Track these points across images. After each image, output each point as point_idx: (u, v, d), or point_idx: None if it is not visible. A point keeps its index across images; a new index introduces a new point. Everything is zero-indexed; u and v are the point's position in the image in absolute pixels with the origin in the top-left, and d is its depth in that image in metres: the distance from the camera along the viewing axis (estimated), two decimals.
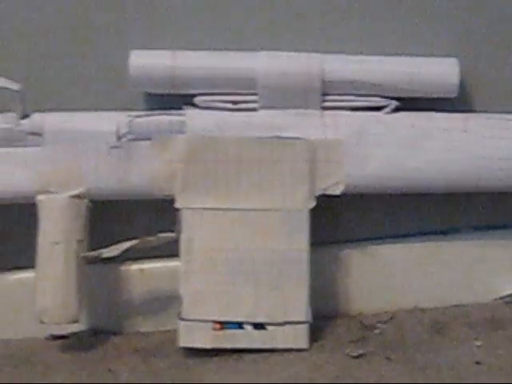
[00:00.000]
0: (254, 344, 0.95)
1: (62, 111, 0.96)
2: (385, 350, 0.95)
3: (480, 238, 1.06)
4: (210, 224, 0.95)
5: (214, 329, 0.94)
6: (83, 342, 1.01)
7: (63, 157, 0.94)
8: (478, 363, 0.90)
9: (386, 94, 0.96)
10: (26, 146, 0.94)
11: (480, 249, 1.06)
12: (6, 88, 0.92)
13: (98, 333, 1.03)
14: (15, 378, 0.93)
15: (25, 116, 0.94)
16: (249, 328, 0.95)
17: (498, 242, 1.07)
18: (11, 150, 0.94)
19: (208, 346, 0.94)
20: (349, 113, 0.96)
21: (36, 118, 0.94)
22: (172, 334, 0.97)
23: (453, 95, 0.97)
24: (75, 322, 0.96)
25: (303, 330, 0.95)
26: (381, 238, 1.06)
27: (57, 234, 0.93)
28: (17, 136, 0.94)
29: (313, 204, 0.94)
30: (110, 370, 0.93)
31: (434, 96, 0.97)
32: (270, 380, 0.89)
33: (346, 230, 1.06)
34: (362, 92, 0.96)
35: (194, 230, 0.94)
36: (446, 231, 1.07)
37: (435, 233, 1.07)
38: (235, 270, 0.94)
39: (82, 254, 0.95)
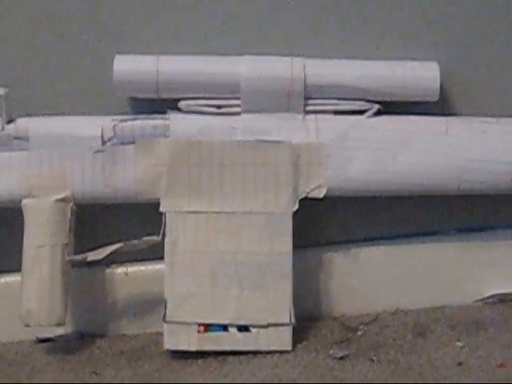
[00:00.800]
0: (238, 346, 0.95)
1: (46, 116, 0.97)
2: (368, 352, 0.95)
3: (461, 240, 1.06)
4: (194, 227, 0.95)
5: (199, 331, 0.95)
6: (69, 344, 1.02)
7: (48, 161, 0.94)
8: (459, 364, 0.91)
9: (367, 98, 0.96)
10: (11, 150, 0.95)
11: (461, 251, 1.06)
12: None
13: (84, 335, 1.04)
14: (2, 379, 0.94)
15: (10, 121, 0.95)
16: (233, 330, 0.95)
17: (478, 245, 1.07)
18: None
19: (193, 348, 0.94)
20: (331, 116, 0.97)
21: (21, 122, 0.95)
22: (157, 337, 0.98)
23: (434, 99, 0.97)
24: (61, 324, 0.96)
25: (287, 331, 0.95)
26: (363, 241, 1.07)
27: (42, 237, 0.93)
28: (2, 140, 0.94)
29: (296, 207, 0.95)
30: (95, 372, 0.94)
31: (416, 100, 0.97)
32: (255, 381, 0.90)
33: (329, 233, 1.06)
34: (344, 96, 0.97)
35: (178, 234, 0.95)
36: (427, 233, 1.07)
37: (417, 235, 1.07)
38: (219, 272, 0.95)
39: (68, 258, 0.95)
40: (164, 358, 0.96)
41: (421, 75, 0.97)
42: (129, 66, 0.95)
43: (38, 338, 1.02)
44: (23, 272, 0.94)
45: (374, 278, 1.06)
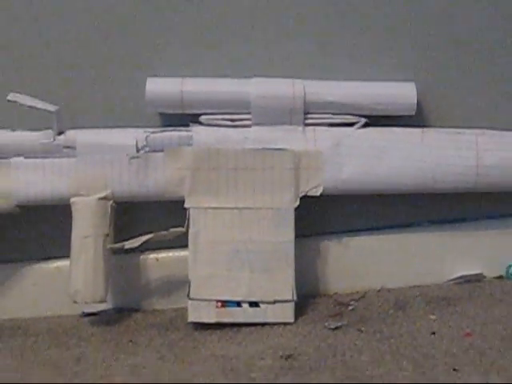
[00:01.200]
0: (249, 319, 0.97)
1: (91, 128, 0.98)
2: (357, 323, 0.97)
3: (434, 231, 1.08)
4: (213, 221, 0.96)
5: (217, 306, 0.96)
6: (109, 318, 1.03)
7: (92, 166, 0.96)
8: (433, 333, 0.93)
9: (356, 113, 0.98)
10: (61, 157, 0.96)
11: (435, 239, 1.08)
12: (46, 110, 0.93)
13: (122, 310, 1.05)
14: (54, 347, 0.94)
15: (60, 132, 0.96)
16: (245, 306, 0.97)
17: (449, 234, 1.08)
18: (50, 160, 0.96)
19: (212, 320, 0.96)
20: (326, 128, 0.98)
21: (70, 134, 0.96)
22: (182, 311, 0.99)
23: (411, 113, 0.99)
24: (102, 301, 0.98)
25: (289, 307, 0.97)
26: (353, 231, 1.08)
27: (87, 229, 0.95)
28: (54, 149, 0.96)
29: (297, 203, 0.97)
30: (131, 341, 0.95)
31: (396, 114, 0.99)
32: (263, 348, 0.90)
33: (325, 225, 1.07)
34: (337, 111, 0.99)
35: (199, 226, 0.96)
36: (407, 225, 1.08)
37: (398, 226, 1.08)
38: (233, 258, 0.96)
39: (108, 246, 0.97)
40: (188, 329, 0.97)
41: (401, 94, 0.99)
42: (158, 87, 0.97)
43: (83, 313, 1.03)
44: (71, 258, 0.96)
45: (362, 262, 1.08)
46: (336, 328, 0.96)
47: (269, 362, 0.87)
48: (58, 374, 0.86)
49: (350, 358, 0.87)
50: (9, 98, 0.92)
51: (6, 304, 1.06)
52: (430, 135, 1.00)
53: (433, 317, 0.98)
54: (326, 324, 0.97)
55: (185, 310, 0.98)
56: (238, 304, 0.97)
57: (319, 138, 0.98)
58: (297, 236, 0.98)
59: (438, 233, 1.09)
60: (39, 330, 1.01)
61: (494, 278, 1.09)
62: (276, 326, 0.97)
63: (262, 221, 0.97)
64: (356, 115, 0.99)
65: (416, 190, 1.01)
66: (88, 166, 0.96)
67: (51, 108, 0.94)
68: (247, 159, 0.97)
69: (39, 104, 0.93)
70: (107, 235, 0.97)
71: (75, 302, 0.97)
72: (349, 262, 1.08)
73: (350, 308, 1.03)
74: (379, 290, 1.08)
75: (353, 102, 0.98)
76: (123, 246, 0.98)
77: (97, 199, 0.96)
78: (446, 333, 0.93)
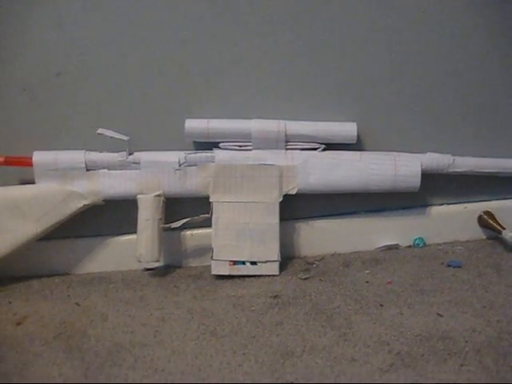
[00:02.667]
0: (250, 272, 0.97)
1: (149, 151, 0.98)
2: (319, 275, 0.97)
3: (368, 216, 1.08)
4: (227, 210, 0.97)
5: (230, 264, 0.97)
6: (161, 271, 1.03)
7: (151, 175, 0.96)
8: (367, 282, 0.93)
9: (318, 142, 0.99)
10: (131, 169, 0.97)
11: (368, 222, 1.08)
12: (121, 139, 0.94)
13: (169, 267, 1.05)
14: (126, 290, 0.95)
15: (130, 153, 0.97)
16: (248, 264, 0.97)
17: (377, 219, 1.08)
18: (124, 171, 0.97)
19: (226, 273, 0.97)
20: (299, 151, 0.99)
21: (136, 155, 0.97)
22: (208, 268, 0.98)
23: (353, 142, 0.99)
24: (157, 261, 0.98)
25: (276, 264, 0.98)
26: (318, 217, 1.07)
27: (147, 215, 0.96)
28: (126, 164, 0.97)
29: (281, 199, 0.97)
30: (175, 286, 0.96)
31: (343, 142, 1.00)
32: (259, 291, 0.91)
33: (298, 212, 1.06)
34: (306, 140, 0.99)
35: (218, 213, 0.97)
36: (351, 213, 1.08)
37: (345, 214, 1.08)
38: (240, 234, 0.97)
39: (161, 226, 0.97)
40: (211, 278, 0.97)
41: (347, 129, 0.99)
42: (193, 124, 0.97)
43: (144, 269, 1.03)
44: (138, 233, 0.96)
45: (323, 237, 1.07)
46: (306, 278, 0.97)
47: (262, 299, 0.89)
48: (129, 307, 0.89)
49: (315, 298, 0.89)
50: (98, 131, 0.93)
51: (95, 263, 1.05)
52: (366, 156, 1.00)
53: (367, 271, 0.99)
54: (299, 276, 0.98)
55: (209, 266, 0.98)
56: (243, 263, 0.98)
57: (295, 158, 0.99)
58: (281, 220, 0.99)
59: (370, 218, 1.09)
60: (116, 279, 1.01)
61: (406, 247, 1.09)
62: (267, 277, 0.97)
63: (259, 210, 0.98)
64: (318, 143, 1.00)
65: (357, 190, 1.01)
66: (148, 175, 0.97)
67: (125, 138, 0.95)
68: (249, 171, 0.98)
69: (117, 135, 0.94)
70: (160, 219, 0.97)
71: (139, 261, 0.98)
72: (315, 237, 1.08)
73: (315, 266, 1.03)
74: (333, 255, 1.07)
75: (316, 135, 0.99)
76: (170, 226, 0.99)
77: (153, 196, 0.96)
78: (375, 281, 0.94)
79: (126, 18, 0.97)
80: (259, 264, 0.98)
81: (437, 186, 1.05)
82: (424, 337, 0.74)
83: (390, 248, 1.08)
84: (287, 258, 1.03)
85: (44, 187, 0.96)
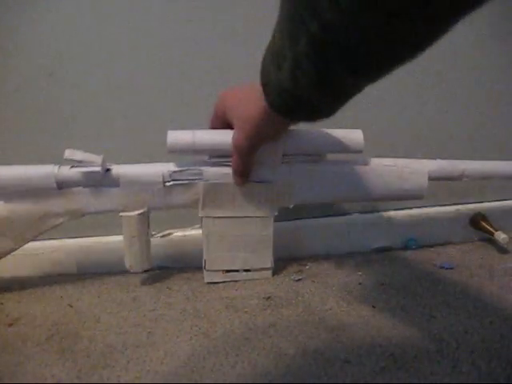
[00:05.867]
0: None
1: (130, 164, 0.91)
2: (312, 277, 0.98)
3: (363, 218, 1.09)
4: (219, 224, 0.94)
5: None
6: (155, 273, 1.02)
7: (132, 193, 0.91)
8: (360, 284, 0.94)
9: (318, 153, 0.91)
10: (110, 187, 0.90)
11: (363, 224, 1.09)
12: (93, 162, 0.86)
13: (162, 268, 1.05)
14: (119, 291, 0.95)
15: (107, 169, 0.89)
16: (241, 271, 0.97)
17: (371, 221, 1.09)
18: (102, 189, 0.90)
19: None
20: (298, 164, 0.91)
21: (115, 171, 0.89)
22: (200, 270, 0.96)
23: (361, 151, 0.89)
24: (148, 270, 0.95)
25: (269, 271, 0.98)
26: (310, 218, 1.08)
27: (133, 232, 0.92)
28: (103, 182, 0.90)
29: (276, 213, 0.94)
30: (168, 287, 0.96)
31: (349, 152, 0.90)
32: (252, 293, 0.92)
33: (290, 213, 1.00)
34: (305, 152, 0.90)
35: (209, 228, 0.94)
36: (345, 214, 1.09)
37: (339, 215, 1.09)
38: (233, 245, 0.95)
39: (148, 238, 0.95)
40: (205, 284, 0.96)
41: (351, 137, 0.88)
42: (177, 136, 0.86)
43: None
44: (125, 247, 0.93)
45: (314, 239, 1.08)
46: (298, 280, 0.97)
47: (255, 301, 0.89)
48: (122, 308, 0.89)
49: (307, 299, 0.89)
50: (65, 156, 0.83)
51: (88, 263, 1.05)
52: (370, 168, 0.93)
53: (359, 273, 0.99)
54: (292, 277, 0.98)
55: (202, 268, 0.97)
56: (237, 270, 0.98)
57: (293, 172, 0.91)
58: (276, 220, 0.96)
59: (362, 220, 1.10)
60: (109, 280, 1.01)
61: (399, 248, 1.10)
62: (261, 280, 0.98)
63: (252, 224, 0.95)
64: (318, 155, 0.91)
65: (359, 201, 1.01)
66: (130, 194, 0.91)
67: (99, 160, 0.86)
68: (242, 188, 0.92)
69: (88, 157, 0.85)
70: (147, 234, 0.94)
71: (130, 271, 0.95)
72: (306, 238, 1.09)
73: (307, 267, 1.04)
74: (326, 257, 1.08)
75: (316, 145, 0.90)
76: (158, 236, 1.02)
77: (137, 214, 0.91)
78: (368, 283, 0.94)
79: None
80: (253, 271, 0.98)
81: (429, 187, 1.04)
82: (417, 338, 0.74)
83: (382, 250, 1.09)
84: (279, 260, 1.02)
85: (17, 207, 0.89)
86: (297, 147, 0.89)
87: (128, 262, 0.94)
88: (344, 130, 0.88)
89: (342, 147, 0.89)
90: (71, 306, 0.90)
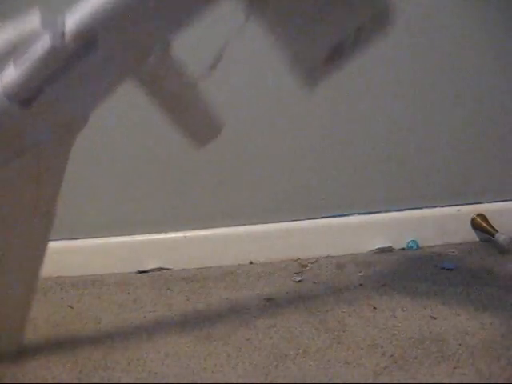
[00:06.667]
0: None
1: None
2: (312, 278, 0.97)
3: (364, 219, 1.08)
4: None
5: None
6: (155, 274, 1.02)
7: None
8: (360, 284, 0.93)
9: None
10: None
11: (363, 225, 1.08)
12: None
13: (162, 269, 1.04)
14: (120, 292, 0.95)
15: None
16: None
17: (372, 221, 1.08)
18: None
19: None
20: None
21: None
22: (201, 270, 0.98)
23: None
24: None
25: None
26: (311, 219, 1.07)
27: None
28: None
29: None
30: (168, 288, 0.95)
31: None
32: (253, 293, 0.92)
33: (291, 215, 1.06)
34: None
35: None
36: (345, 215, 1.08)
37: (340, 216, 1.08)
38: None
39: None
40: (204, 280, 0.96)
41: None
42: None
43: (138, 271, 1.03)
44: None
45: (316, 239, 1.08)
46: (299, 281, 0.97)
47: (256, 302, 0.89)
48: (123, 309, 0.89)
49: (308, 300, 0.89)
50: None
51: (89, 265, 1.05)
52: None
53: (360, 274, 0.99)
54: (293, 278, 0.98)
55: (203, 269, 0.98)
56: None
57: None
58: (274, 222, 0.99)
59: (363, 220, 1.09)
60: (109, 281, 1.01)
61: (399, 249, 1.09)
62: (261, 280, 0.98)
63: None
64: None
65: None
66: None
67: None
68: None
69: None
70: None
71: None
72: (307, 239, 1.08)
73: (308, 268, 1.03)
74: (326, 257, 1.07)
75: None
76: None
77: None
78: (368, 284, 0.94)
79: None
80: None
81: (430, 188, 1.06)
82: (417, 339, 0.74)
83: (383, 250, 1.08)
84: (281, 261, 1.03)
85: None
86: None
87: None
88: None
89: None
90: (72, 308, 0.90)
